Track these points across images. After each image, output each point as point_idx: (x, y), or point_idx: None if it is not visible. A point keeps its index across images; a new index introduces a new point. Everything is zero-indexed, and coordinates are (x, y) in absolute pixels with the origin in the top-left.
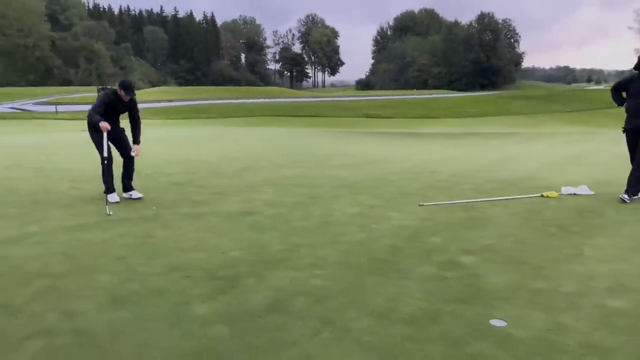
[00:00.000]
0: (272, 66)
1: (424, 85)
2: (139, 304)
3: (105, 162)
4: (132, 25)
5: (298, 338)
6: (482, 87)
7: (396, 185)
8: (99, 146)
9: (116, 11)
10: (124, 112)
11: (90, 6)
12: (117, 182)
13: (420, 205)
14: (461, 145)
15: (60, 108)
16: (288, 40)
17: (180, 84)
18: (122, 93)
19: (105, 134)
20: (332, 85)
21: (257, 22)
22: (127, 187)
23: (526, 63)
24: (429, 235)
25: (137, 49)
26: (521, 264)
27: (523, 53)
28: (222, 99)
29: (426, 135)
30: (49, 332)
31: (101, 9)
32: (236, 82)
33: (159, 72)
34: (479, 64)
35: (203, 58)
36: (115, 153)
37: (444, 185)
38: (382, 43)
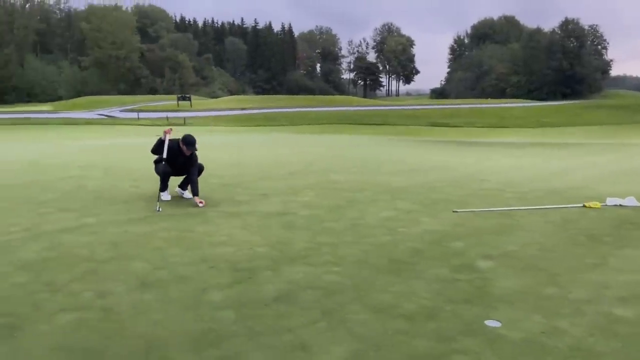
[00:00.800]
0: (347, 75)
1: (501, 94)
2: (164, 288)
3: (163, 162)
4: (214, 37)
5: (296, 326)
6: (565, 97)
7: (439, 192)
8: (158, 167)
9: (200, 24)
10: (184, 163)
11: (177, 19)
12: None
13: (454, 211)
14: (523, 155)
15: (142, 115)
16: (362, 49)
17: (257, 93)
18: (184, 147)
19: (167, 138)
20: (408, 93)
21: (333, 32)
22: (182, 186)
23: (617, 71)
24: (453, 240)
25: (218, 59)
26: (538, 270)
27: (611, 60)
28: (292, 108)
29: (490, 144)
30: (81, 308)
31: (187, 22)
32: (310, 91)
33: (238, 82)
34: (562, 72)
35: (279, 68)
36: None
37: (488, 193)
38: (459, 51)
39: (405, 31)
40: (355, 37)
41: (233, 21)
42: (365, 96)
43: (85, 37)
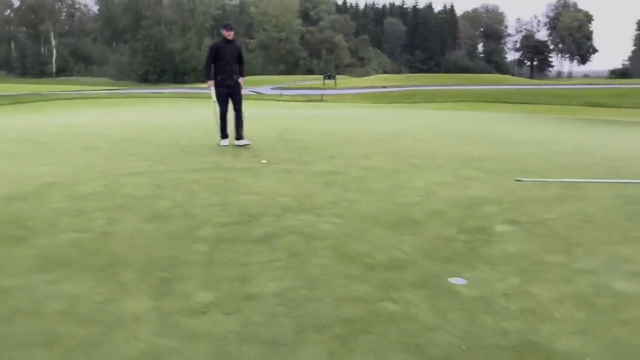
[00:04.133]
0: (512, 55)
1: None
2: (166, 222)
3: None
4: (373, 18)
5: (254, 262)
6: None
7: (518, 163)
8: (219, 100)
9: (361, 6)
10: (235, 56)
11: (339, 2)
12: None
13: (517, 180)
14: None
15: (286, 92)
16: (532, 26)
17: (413, 73)
18: (224, 32)
19: (212, 90)
20: (585, 75)
21: (500, 10)
22: (238, 137)
23: None
24: (488, 205)
25: (376, 40)
26: (557, 238)
27: None
28: (432, 86)
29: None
30: (85, 230)
31: (348, 5)
32: (470, 72)
33: (395, 62)
34: None
35: (438, 48)
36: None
37: (575, 167)
38: None
39: (583, 5)
40: (524, 15)
41: (394, 2)
42: (531, 77)
43: (253, 21)
